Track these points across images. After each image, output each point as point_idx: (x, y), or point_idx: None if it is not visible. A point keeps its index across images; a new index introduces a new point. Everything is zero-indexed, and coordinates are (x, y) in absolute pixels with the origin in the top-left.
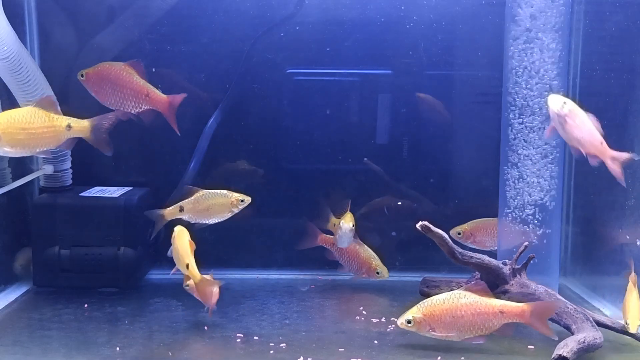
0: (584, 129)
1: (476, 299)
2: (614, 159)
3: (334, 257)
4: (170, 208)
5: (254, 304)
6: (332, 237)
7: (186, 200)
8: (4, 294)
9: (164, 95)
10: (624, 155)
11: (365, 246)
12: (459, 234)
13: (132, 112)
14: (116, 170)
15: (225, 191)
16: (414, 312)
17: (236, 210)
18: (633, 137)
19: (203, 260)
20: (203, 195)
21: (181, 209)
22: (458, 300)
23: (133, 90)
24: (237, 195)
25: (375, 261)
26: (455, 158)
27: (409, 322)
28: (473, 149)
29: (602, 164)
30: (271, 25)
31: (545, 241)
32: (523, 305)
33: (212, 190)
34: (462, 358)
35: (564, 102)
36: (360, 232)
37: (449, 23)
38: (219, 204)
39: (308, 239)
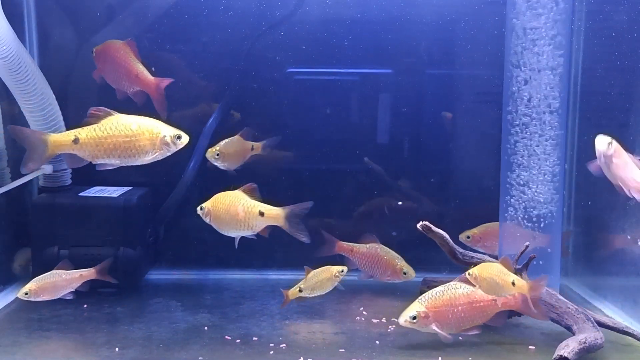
0: (627, 168)
1: (472, 289)
2: None
3: (354, 266)
4: None
5: (254, 304)
6: (350, 244)
7: None
8: (4, 294)
9: (152, 78)
10: None
11: (386, 248)
12: (468, 237)
13: (127, 92)
14: (116, 170)
15: None
16: (417, 307)
17: None
18: (635, 137)
19: (203, 260)
20: None
21: None
22: (456, 291)
23: (126, 69)
24: None
25: (400, 262)
26: (456, 158)
27: (414, 317)
28: (474, 149)
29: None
30: (271, 24)
31: (546, 241)
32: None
33: None
34: (470, 359)
35: (610, 143)
36: (359, 232)
37: (449, 22)
38: None
39: (326, 247)
